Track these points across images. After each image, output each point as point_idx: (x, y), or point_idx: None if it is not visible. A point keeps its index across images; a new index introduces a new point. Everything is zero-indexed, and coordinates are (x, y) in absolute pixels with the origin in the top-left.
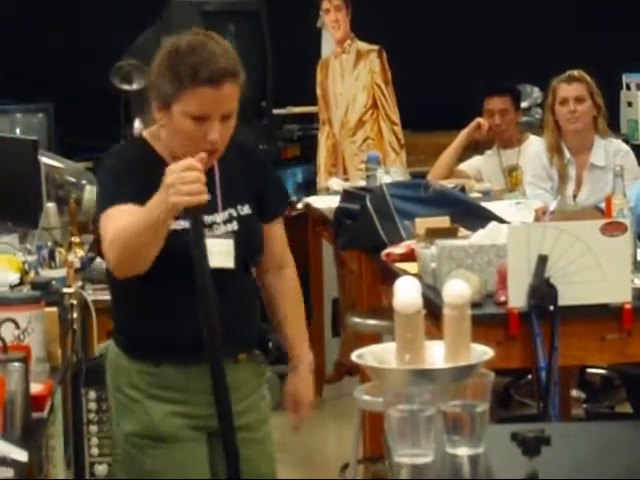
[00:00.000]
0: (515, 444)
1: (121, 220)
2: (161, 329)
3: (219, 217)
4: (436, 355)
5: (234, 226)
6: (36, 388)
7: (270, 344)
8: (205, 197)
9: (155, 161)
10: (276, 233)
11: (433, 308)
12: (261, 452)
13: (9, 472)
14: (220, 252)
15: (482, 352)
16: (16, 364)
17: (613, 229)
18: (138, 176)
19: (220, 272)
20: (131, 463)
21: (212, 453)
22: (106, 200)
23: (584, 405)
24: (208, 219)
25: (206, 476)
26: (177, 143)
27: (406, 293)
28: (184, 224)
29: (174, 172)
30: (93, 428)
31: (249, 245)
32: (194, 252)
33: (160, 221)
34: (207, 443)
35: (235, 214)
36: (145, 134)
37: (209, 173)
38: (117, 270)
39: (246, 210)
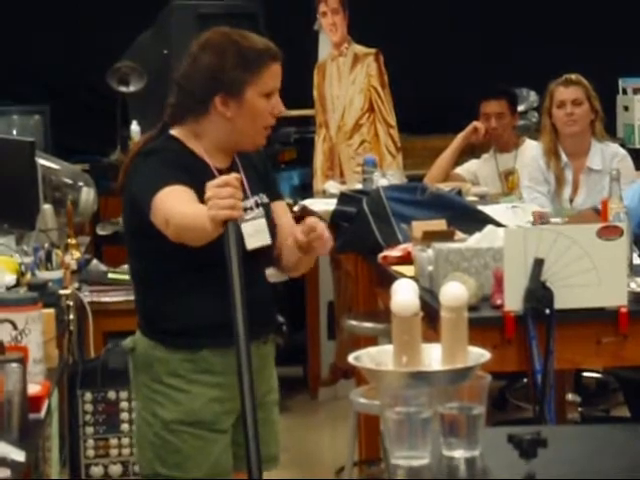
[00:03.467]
0: (512, 446)
1: (179, 202)
2: (200, 315)
3: (249, 203)
4: (433, 357)
5: (261, 212)
6: (33, 389)
7: (284, 327)
8: (240, 213)
9: (192, 158)
10: (284, 209)
11: (430, 311)
12: (272, 433)
13: (6, 472)
14: (257, 232)
15: (479, 355)
16: (13, 365)
17: (609, 233)
18: (181, 171)
19: (254, 257)
20: (164, 449)
21: (236, 433)
22: (161, 181)
23: (579, 409)
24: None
25: (231, 465)
26: (248, 127)
27: (404, 295)
28: None
29: (212, 187)
30: (89, 429)
31: (271, 232)
32: (227, 258)
33: (207, 229)
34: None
35: (260, 201)
36: (175, 133)
37: (234, 163)
38: (176, 241)
39: (265, 198)
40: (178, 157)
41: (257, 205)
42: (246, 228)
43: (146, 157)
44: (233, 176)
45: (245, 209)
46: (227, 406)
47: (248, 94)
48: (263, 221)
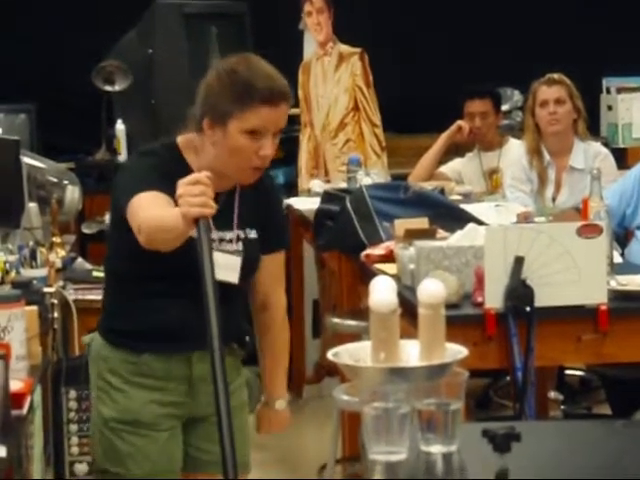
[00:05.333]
0: (486, 441)
1: (152, 208)
2: (147, 320)
3: (229, 235)
4: (411, 354)
5: (239, 247)
6: (16, 385)
7: (247, 338)
8: (211, 210)
9: (184, 170)
10: (268, 268)
11: (411, 308)
12: (238, 438)
13: None
14: (227, 266)
15: (456, 351)
16: None
17: (589, 231)
18: (166, 180)
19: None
20: (107, 446)
21: (187, 440)
22: (138, 186)
23: (562, 406)
24: (218, 234)
25: (178, 465)
26: (228, 159)
27: (381, 292)
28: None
29: (183, 185)
30: (73, 427)
31: (249, 268)
32: (200, 257)
33: (178, 228)
34: (182, 431)
35: (243, 236)
36: (179, 141)
37: (231, 192)
38: (148, 247)
39: (253, 235)
40: (169, 166)
41: (238, 239)
42: (218, 258)
43: (138, 157)
44: (204, 174)
45: (222, 240)
46: (168, 409)
47: (231, 126)
48: (238, 261)
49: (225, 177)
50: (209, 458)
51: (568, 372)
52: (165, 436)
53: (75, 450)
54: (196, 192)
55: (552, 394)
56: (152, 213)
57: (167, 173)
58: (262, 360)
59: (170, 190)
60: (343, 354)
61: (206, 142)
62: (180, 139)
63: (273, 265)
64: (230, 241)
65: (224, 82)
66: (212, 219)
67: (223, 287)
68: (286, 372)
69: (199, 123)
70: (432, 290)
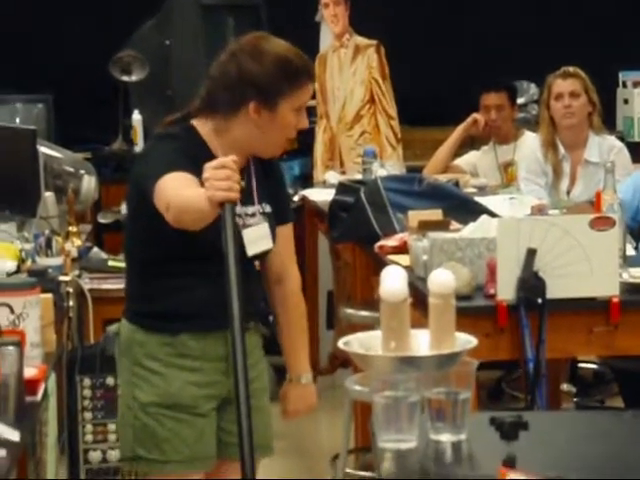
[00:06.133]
0: (494, 429)
1: (180, 186)
2: (180, 300)
3: (251, 209)
4: (421, 343)
5: (261, 220)
6: (30, 372)
7: (270, 317)
8: (237, 195)
9: (206, 152)
10: (286, 236)
11: (423, 299)
12: (261, 421)
13: (2, 452)
14: (257, 238)
15: (466, 341)
16: (10, 348)
17: (602, 224)
18: (190, 162)
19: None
20: (143, 432)
21: (218, 424)
22: (167, 167)
23: (574, 399)
24: (242, 209)
25: (213, 451)
26: (274, 138)
27: (392, 282)
28: None
29: (209, 169)
30: (87, 415)
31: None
32: (224, 240)
33: (205, 210)
34: (217, 412)
35: (261, 210)
36: (196, 124)
37: (247, 168)
38: (176, 226)
39: (268, 209)
40: (192, 149)
41: (258, 213)
42: (247, 235)
43: (159, 141)
44: (230, 158)
45: (246, 215)
46: (206, 391)
47: (282, 107)
48: (266, 226)
49: (243, 153)
50: (236, 441)
51: (581, 365)
52: (202, 422)
53: (89, 438)
54: (222, 176)
55: (565, 386)
56: (179, 192)
57: (189, 156)
58: (281, 338)
59: (194, 172)
60: (354, 343)
61: (240, 124)
62: (197, 123)
63: (285, 237)
64: (253, 215)
65: (267, 64)
66: None
67: (245, 268)
68: (307, 346)
69: (234, 108)
70: (442, 280)
